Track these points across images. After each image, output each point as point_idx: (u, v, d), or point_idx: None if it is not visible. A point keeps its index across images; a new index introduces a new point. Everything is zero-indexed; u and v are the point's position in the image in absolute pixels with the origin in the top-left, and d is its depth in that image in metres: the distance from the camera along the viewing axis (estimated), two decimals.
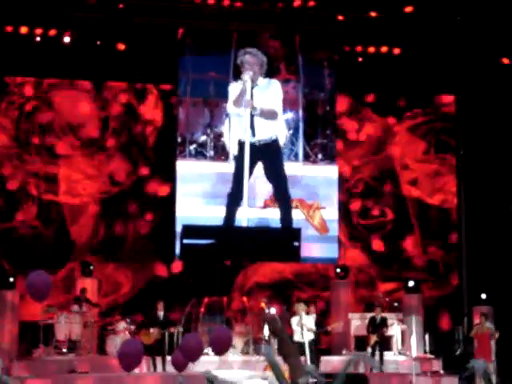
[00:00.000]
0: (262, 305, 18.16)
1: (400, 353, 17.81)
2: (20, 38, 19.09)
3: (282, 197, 19.82)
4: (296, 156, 20.23)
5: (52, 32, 19.23)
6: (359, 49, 20.35)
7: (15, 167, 19.74)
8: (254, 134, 19.66)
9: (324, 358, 16.90)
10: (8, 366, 15.95)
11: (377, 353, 17.06)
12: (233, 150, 19.84)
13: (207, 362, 16.00)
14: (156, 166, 20.26)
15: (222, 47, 19.97)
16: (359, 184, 21.05)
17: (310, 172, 20.22)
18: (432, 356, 17.79)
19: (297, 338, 15.94)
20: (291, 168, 20.05)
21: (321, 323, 17.00)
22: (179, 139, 19.92)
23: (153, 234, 20.07)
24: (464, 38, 19.79)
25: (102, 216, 20.01)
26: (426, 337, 18.26)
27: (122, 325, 17.38)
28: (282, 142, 20.09)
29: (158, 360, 16.24)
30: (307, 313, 16.50)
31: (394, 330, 17.88)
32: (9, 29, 18.94)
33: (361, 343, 18.02)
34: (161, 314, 16.56)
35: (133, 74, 20.03)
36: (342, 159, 20.73)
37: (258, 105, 19.70)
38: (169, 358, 14.85)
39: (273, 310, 17.48)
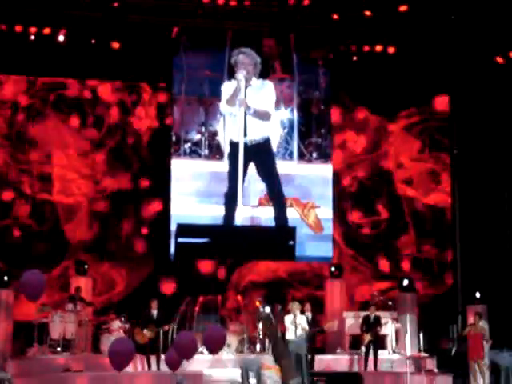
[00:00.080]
0: (257, 303, 18.17)
1: (394, 351, 17.82)
2: (14, 37, 19.05)
3: (275, 195, 19.84)
4: (290, 155, 20.23)
5: (46, 30, 19.21)
6: (354, 48, 20.37)
7: (8, 165, 19.75)
8: (245, 134, 19.68)
9: (318, 357, 16.91)
10: (2, 364, 15.98)
11: (371, 351, 17.06)
12: (227, 149, 19.85)
13: (201, 360, 16.07)
14: (150, 165, 20.24)
15: (217, 46, 19.98)
16: (354, 183, 21.06)
17: (304, 171, 20.23)
18: (426, 354, 17.80)
19: (290, 336, 15.89)
20: (286, 167, 20.06)
21: (316, 322, 16.96)
22: (174, 138, 19.92)
23: (147, 232, 20.05)
24: (458, 36, 19.82)
25: (96, 215, 19.99)
26: (421, 335, 18.28)
27: (116, 323, 17.39)
28: (274, 142, 20.09)
29: (153, 359, 16.23)
30: (302, 312, 16.46)
31: (389, 328, 17.87)
32: (3, 27, 18.91)
33: (355, 342, 18.02)
34: (155, 312, 16.54)
35: (127, 73, 20.01)
36: (337, 158, 20.74)
37: (252, 105, 19.70)
38: (163, 356, 14.83)
39: (267, 309, 17.47)
